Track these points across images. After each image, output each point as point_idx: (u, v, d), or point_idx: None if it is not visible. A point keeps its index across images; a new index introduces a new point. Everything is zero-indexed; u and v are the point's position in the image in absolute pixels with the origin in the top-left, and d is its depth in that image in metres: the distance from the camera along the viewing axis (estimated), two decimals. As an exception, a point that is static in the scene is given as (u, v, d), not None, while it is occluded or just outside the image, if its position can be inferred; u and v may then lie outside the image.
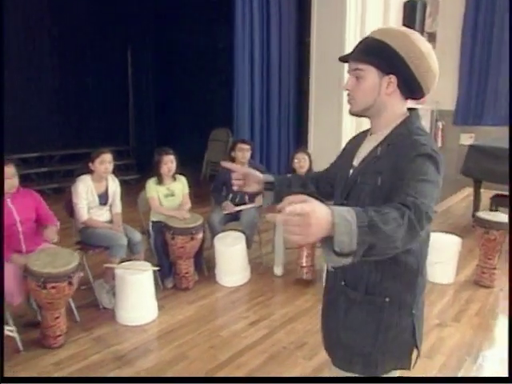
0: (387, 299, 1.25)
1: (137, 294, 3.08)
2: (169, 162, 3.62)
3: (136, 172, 7.20)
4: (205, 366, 2.64)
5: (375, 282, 1.26)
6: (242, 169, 1.55)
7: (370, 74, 1.22)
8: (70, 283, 2.61)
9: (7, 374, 2.47)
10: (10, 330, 2.43)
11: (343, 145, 1.54)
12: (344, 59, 1.29)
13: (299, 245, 3.54)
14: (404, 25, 5.91)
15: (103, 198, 3.44)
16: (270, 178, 1.56)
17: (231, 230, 3.95)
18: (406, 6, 5.84)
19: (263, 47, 5.45)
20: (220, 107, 7.08)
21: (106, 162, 3.35)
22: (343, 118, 5.35)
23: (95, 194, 3.38)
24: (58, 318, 2.70)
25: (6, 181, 2.78)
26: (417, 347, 1.31)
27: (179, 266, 3.55)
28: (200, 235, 3.55)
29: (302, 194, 1.51)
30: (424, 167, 1.12)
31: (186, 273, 3.57)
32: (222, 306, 3.45)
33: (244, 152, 3.90)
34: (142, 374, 2.55)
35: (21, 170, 6.40)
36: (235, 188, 1.55)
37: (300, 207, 0.89)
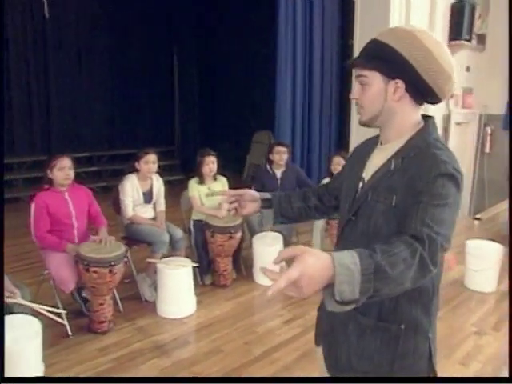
0: (402, 326, 1.16)
1: (176, 288, 3.23)
2: (210, 163, 3.75)
3: (180, 172, 7.42)
4: (239, 359, 2.73)
5: (389, 308, 1.17)
6: (234, 191, 1.47)
7: (375, 79, 1.13)
8: (111, 271, 2.78)
9: (55, 357, 2.68)
10: (58, 316, 2.58)
11: None
12: (349, 66, 1.22)
13: None
14: (451, 27, 5.80)
15: (148, 196, 3.61)
16: (266, 195, 1.48)
17: (270, 230, 4.03)
18: (453, 7, 5.71)
19: (305, 51, 5.50)
20: (263, 110, 7.18)
21: (150, 162, 3.52)
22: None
23: (140, 192, 3.56)
24: (102, 304, 2.89)
25: (63, 171, 2.98)
26: (434, 372, 1.23)
27: (218, 264, 3.67)
28: (238, 234, 3.65)
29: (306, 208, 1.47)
30: (444, 190, 1.04)
31: (224, 270, 3.68)
32: (258, 304, 3.54)
33: (281, 154, 3.98)
34: (179, 365, 2.67)
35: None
36: (232, 213, 1.48)
37: (286, 278, 0.85)
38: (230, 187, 3.93)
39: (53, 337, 2.83)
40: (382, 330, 1.18)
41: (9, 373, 2.26)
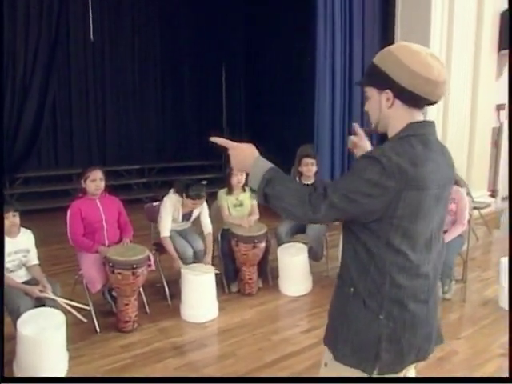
0: (352, 289, 1.32)
1: (198, 293, 3.37)
2: (238, 174, 3.88)
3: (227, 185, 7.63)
4: (250, 364, 2.81)
5: (345, 270, 1.36)
6: (362, 138, 1.64)
7: (372, 93, 1.36)
8: (134, 274, 2.98)
9: (82, 351, 2.91)
10: (84, 310, 2.79)
11: None
12: (358, 85, 1.48)
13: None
14: (500, 37, 5.58)
15: (187, 217, 3.77)
16: None
17: (298, 242, 4.08)
18: (502, 16, 5.50)
19: (345, 62, 5.53)
20: (308, 123, 7.26)
21: (198, 204, 3.62)
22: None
23: (180, 213, 3.68)
24: (127, 304, 3.09)
25: (95, 182, 3.26)
26: (380, 356, 1.29)
27: (243, 273, 3.77)
28: (262, 244, 3.74)
29: None
30: (363, 166, 1.23)
31: (250, 279, 3.78)
32: (279, 313, 3.60)
33: (309, 166, 4.02)
34: (192, 366, 2.80)
35: (124, 180, 7.18)
36: (349, 145, 1.67)
37: (227, 141, 1.38)
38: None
39: (82, 332, 3.06)
40: (340, 289, 1.39)
41: (35, 360, 2.52)
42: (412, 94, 1.28)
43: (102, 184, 3.33)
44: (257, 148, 1.38)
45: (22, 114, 6.50)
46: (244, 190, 3.98)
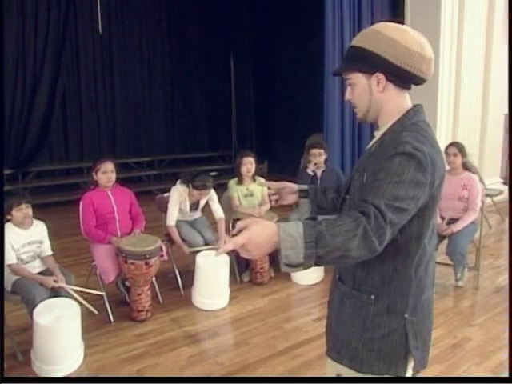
0: (372, 297, 1.25)
1: (212, 282, 3.40)
2: (248, 164, 3.89)
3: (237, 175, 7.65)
4: (263, 352, 2.83)
5: (361, 278, 1.27)
6: (276, 184, 1.56)
7: (358, 79, 1.24)
8: (147, 264, 3.02)
9: (97, 340, 2.95)
10: (97, 296, 2.85)
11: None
12: (335, 74, 1.35)
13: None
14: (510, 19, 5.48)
15: (194, 206, 3.80)
16: (304, 186, 1.58)
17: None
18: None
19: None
20: (318, 113, 7.23)
21: (204, 194, 3.64)
22: (437, 121, 5.18)
23: (188, 203, 3.72)
24: (140, 294, 3.13)
25: (106, 174, 3.28)
26: (412, 355, 1.26)
27: (255, 262, 3.79)
28: (274, 233, 3.73)
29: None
30: (400, 167, 1.10)
31: (261, 268, 3.79)
32: (290, 302, 3.61)
33: (316, 156, 4.01)
34: (205, 354, 2.83)
35: (135, 173, 7.21)
36: (272, 204, 1.60)
37: (233, 243, 1.02)
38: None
39: (97, 322, 3.11)
40: (354, 298, 1.29)
41: (51, 349, 2.55)
42: (408, 74, 1.19)
43: (114, 176, 3.35)
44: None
45: (32, 109, 6.55)
46: (254, 180, 3.98)
